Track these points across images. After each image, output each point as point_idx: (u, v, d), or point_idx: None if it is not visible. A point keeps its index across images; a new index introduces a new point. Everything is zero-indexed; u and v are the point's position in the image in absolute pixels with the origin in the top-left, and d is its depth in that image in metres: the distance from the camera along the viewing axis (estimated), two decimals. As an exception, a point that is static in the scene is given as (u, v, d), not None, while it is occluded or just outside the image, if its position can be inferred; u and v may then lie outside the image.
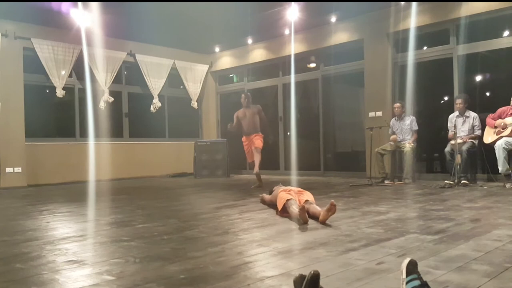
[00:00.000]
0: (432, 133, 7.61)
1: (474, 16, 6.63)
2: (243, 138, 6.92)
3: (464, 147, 6.08)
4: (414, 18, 7.13)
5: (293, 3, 7.36)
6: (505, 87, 6.43)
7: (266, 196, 4.40)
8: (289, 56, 8.83)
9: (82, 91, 8.63)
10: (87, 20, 7.63)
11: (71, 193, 6.65)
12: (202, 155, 9.18)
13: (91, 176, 8.13)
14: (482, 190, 5.45)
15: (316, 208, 3.47)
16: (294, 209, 3.42)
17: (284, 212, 3.68)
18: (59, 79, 8.20)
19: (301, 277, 1.55)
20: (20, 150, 7.70)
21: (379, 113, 7.64)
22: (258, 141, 6.71)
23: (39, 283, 1.97)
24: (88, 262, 2.32)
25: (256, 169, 6.53)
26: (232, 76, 10.99)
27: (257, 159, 6.61)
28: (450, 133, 6.34)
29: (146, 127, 9.68)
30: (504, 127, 5.86)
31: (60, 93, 8.18)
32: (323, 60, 8.84)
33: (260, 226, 3.30)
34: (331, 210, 3.23)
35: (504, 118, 5.94)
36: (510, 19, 6.50)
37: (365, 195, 5.25)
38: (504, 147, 5.66)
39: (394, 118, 7.14)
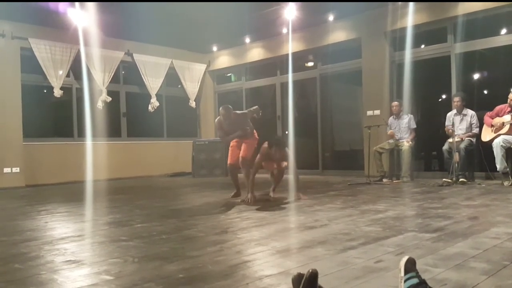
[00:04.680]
0: (430, 131, 7.61)
1: (471, 14, 6.63)
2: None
3: (462, 145, 6.09)
4: (411, 17, 7.13)
5: (290, 2, 7.35)
6: (503, 85, 6.44)
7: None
8: (287, 55, 8.82)
9: (80, 91, 8.61)
10: (85, 19, 7.60)
11: (69, 193, 6.64)
12: (200, 155, 9.16)
13: (89, 176, 8.10)
14: (480, 188, 5.46)
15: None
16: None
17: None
18: (56, 79, 8.18)
19: (300, 276, 1.55)
20: (18, 150, 7.68)
21: (377, 112, 7.64)
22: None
23: (38, 283, 1.96)
24: (86, 262, 2.32)
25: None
26: (230, 75, 10.98)
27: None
28: (447, 129, 6.35)
29: (144, 126, 9.67)
30: (502, 126, 5.87)
31: (57, 93, 8.16)
32: (320, 59, 8.84)
33: (259, 225, 3.30)
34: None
35: (502, 116, 5.95)
36: (508, 17, 6.51)
37: (364, 193, 5.26)
38: (502, 145, 5.67)
39: (392, 116, 7.14)
